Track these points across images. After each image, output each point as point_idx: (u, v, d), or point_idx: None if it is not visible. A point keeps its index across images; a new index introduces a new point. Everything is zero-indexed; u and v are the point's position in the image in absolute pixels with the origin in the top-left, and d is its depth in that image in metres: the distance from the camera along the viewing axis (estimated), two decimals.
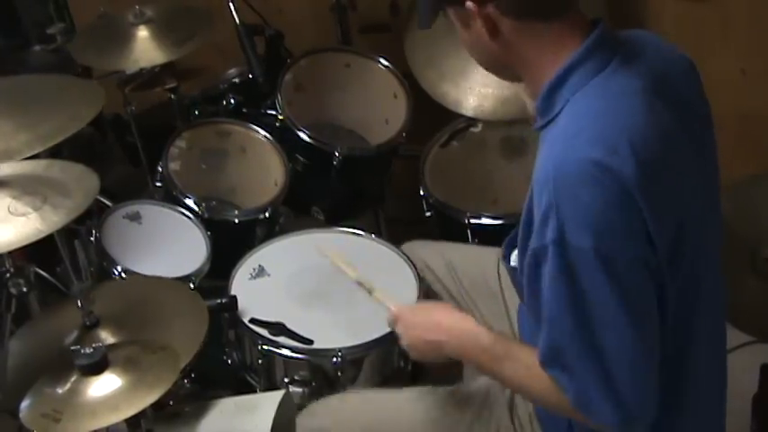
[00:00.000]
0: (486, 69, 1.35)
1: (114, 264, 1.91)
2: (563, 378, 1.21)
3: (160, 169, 2.17)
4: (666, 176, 1.17)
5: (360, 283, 1.76)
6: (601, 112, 1.18)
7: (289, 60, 2.37)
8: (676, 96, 1.25)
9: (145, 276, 1.88)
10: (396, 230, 2.37)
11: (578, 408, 1.21)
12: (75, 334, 1.57)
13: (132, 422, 1.37)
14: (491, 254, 1.74)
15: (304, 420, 1.60)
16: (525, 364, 1.27)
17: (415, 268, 1.86)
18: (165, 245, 2.01)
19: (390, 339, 1.74)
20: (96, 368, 1.32)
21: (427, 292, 1.82)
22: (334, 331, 1.75)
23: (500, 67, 1.32)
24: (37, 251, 1.60)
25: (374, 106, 2.41)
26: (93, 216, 2.01)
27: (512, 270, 1.40)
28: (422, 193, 2.24)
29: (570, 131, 1.18)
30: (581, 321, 1.16)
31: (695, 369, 1.29)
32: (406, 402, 1.58)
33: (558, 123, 1.22)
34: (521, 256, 1.28)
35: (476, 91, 2.27)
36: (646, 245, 1.14)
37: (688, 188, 1.23)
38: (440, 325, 1.42)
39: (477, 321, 1.41)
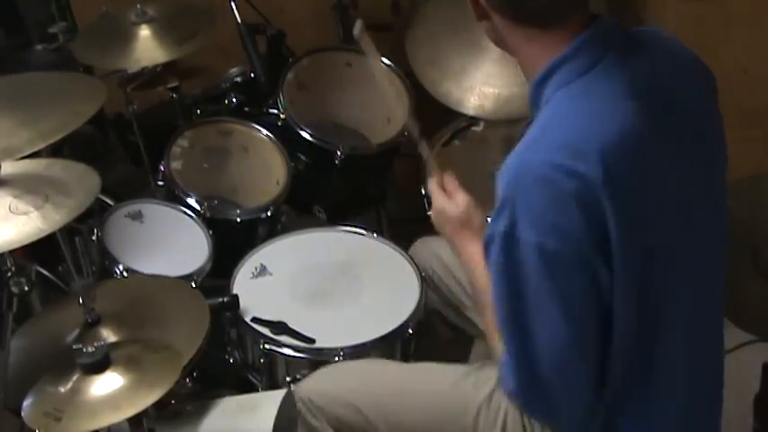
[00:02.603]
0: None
1: (116, 262, 1.91)
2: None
3: (162, 168, 2.17)
4: (640, 183, 1.15)
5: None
6: (577, 113, 1.17)
7: (290, 59, 2.37)
8: (670, 101, 1.21)
9: (146, 275, 1.87)
10: (398, 229, 2.37)
11: (503, 390, 1.25)
12: (76, 332, 1.58)
13: (134, 421, 1.37)
14: None
15: (307, 383, 1.62)
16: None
17: (417, 268, 1.86)
18: (167, 244, 2.01)
19: (392, 339, 1.74)
20: (98, 367, 1.33)
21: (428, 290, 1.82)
22: (335, 330, 1.75)
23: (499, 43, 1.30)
24: (38, 250, 1.59)
25: (376, 105, 2.41)
26: (94, 215, 2.01)
27: None
28: (423, 192, 2.23)
29: (543, 130, 1.18)
30: (515, 310, 1.18)
31: (668, 368, 1.26)
32: (419, 374, 1.59)
33: (538, 119, 1.21)
34: None
35: (477, 90, 2.26)
36: (596, 250, 1.12)
37: (672, 194, 1.20)
38: (464, 249, 1.47)
39: None
